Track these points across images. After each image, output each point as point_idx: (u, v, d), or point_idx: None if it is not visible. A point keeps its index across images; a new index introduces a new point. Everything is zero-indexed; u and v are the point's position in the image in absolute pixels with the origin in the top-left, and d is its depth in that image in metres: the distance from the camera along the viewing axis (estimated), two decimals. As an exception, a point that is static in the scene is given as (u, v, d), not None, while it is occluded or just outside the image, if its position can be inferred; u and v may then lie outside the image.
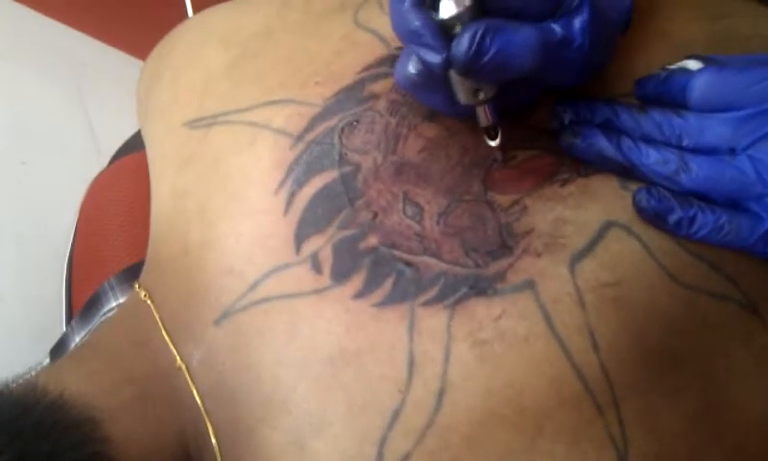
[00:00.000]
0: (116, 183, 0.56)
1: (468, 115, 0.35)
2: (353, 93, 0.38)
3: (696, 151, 0.33)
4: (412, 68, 0.33)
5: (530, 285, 0.32)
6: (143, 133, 0.48)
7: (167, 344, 0.37)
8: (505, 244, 0.34)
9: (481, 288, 0.33)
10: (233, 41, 0.43)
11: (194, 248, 0.38)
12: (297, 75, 0.40)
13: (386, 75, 0.38)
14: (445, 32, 0.31)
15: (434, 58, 0.31)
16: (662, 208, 0.33)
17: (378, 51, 0.39)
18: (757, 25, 0.40)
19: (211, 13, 0.47)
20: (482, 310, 0.32)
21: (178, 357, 0.36)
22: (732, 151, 0.33)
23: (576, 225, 0.33)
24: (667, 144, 0.34)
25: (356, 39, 0.40)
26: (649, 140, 0.34)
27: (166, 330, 0.37)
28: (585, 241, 0.33)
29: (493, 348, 0.31)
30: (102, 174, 0.59)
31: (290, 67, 0.40)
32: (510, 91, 0.34)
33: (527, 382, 0.31)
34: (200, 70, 0.43)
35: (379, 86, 0.38)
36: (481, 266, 0.33)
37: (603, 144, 0.34)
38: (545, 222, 0.34)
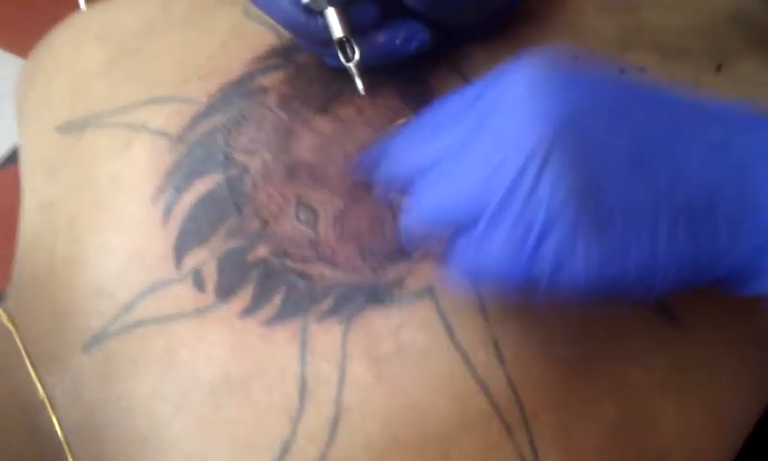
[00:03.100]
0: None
1: (322, 39, 0.31)
2: (240, 88, 0.34)
3: None
4: None
5: (429, 292, 0.29)
6: (19, 144, 0.43)
7: (29, 373, 0.32)
8: (404, 247, 0.31)
9: (378, 297, 0.30)
10: (112, 38, 0.39)
11: (60, 265, 0.33)
12: (179, 71, 0.36)
13: (276, 67, 0.35)
14: None
15: None
16: None
17: (268, 41, 0.36)
18: (667, 16, 0.38)
19: (91, 10, 0.43)
20: (380, 322, 0.29)
21: (39, 388, 0.32)
22: None
23: None
24: None
25: (244, 30, 0.36)
26: None
27: (29, 358, 0.33)
28: None
29: (392, 365, 0.28)
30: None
31: (171, 63, 0.36)
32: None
33: (429, 403, 0.28)
34: (75, 70, 0.39)
35: (269, 80, 0.35)
36: (378, 272, 0.30)
37: None
38: None
